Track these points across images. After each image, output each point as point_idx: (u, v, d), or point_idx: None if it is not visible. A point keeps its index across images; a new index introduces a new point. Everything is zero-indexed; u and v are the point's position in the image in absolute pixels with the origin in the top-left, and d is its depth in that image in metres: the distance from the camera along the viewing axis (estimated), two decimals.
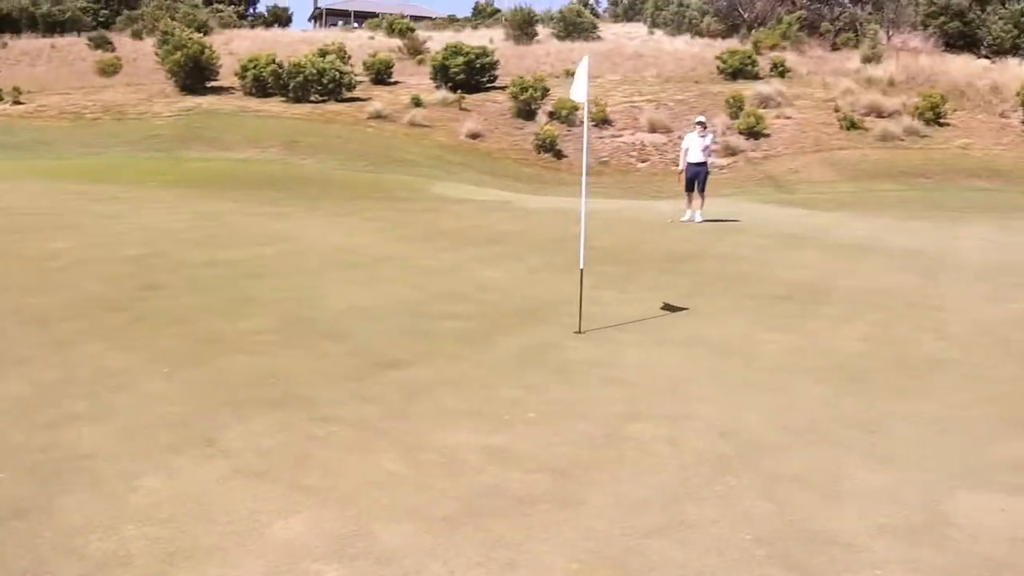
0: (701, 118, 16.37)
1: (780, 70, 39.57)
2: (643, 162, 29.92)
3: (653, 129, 31.48)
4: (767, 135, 31.54)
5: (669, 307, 8.44)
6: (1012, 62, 39.13)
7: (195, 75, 32.67)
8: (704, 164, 16.46)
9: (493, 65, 35.50)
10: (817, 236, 14.78)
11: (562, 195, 22.59)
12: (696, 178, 16.43)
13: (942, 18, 43.70)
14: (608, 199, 22.83)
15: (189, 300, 7.98)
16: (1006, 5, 43.25)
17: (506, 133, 30.85)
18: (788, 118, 33.23)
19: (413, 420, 5.29)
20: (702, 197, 16.39)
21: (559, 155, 29.52)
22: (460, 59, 34.15)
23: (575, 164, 27.18)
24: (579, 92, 8.23)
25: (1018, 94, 33.48)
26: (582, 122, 30.29)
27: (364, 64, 35.33)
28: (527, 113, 32.42)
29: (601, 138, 31.20)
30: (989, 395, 6.01)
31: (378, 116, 30.26)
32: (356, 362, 6.25)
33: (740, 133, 31.37)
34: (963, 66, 38.75)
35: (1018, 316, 8.59)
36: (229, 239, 11.83)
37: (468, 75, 34.55)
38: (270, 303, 7.99)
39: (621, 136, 31.38)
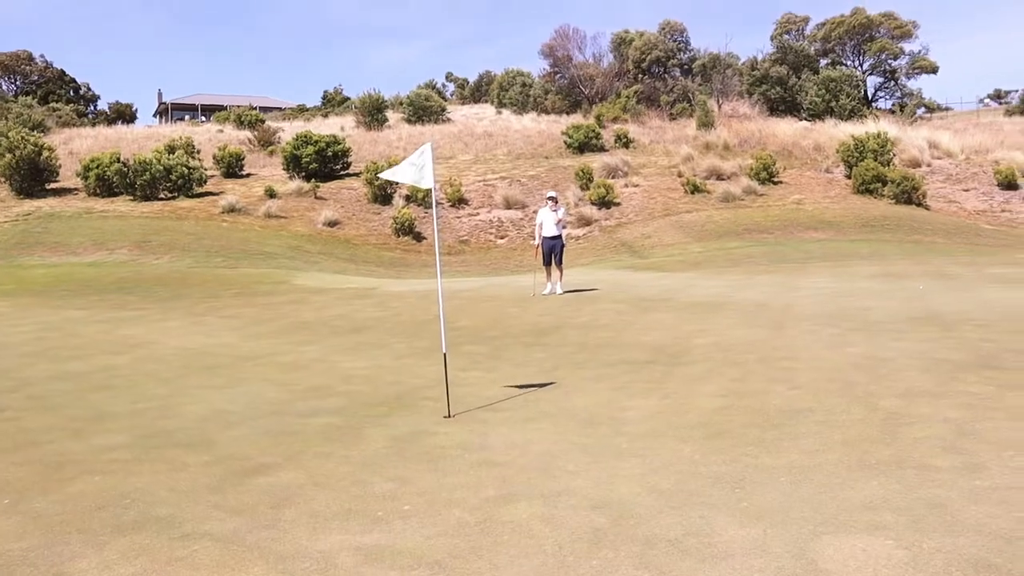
0: (552, 193, 16.81)
1: (624, 141, 41.23)
2: (501, 238, 30.18)
3: (508, 205, 31.97)
4: (618, 204, 32.52)
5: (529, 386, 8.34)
6: (828, 123, 42.58)
7: (33, 177, 31.30)
8: (559, 237, 16.74)
9: (345, 152, 35.67)
10: (672, 297, 15.20)
11: (425, 277, 22.70)
12: (553, 251, 16.68)
13: (764, 86, 47.27)
14: (470, 277, 22.93)
15: (33, 421, 7.44)
16: (817, 73, 47.19)
17: (364, 219, 30.87)
18: (636, 186, 34.47)
19: (283, 528, 5.08)
20: (560, 269, 16.63)
21: (419, 237, 29.68)
22: (311, 148, 34.18)
23: (432, 244, 27.51)
24: (425, 178, 8.13)
25: (837, 151, 36.20)
26: (437, 202, 30.98)
27: (214, 158, 34.84)
28: (383, 198, 32.59)
29: (459, 217, 31.45)
30: (842, 439, 6.27)
31: (232, 210, 29.81)
32: (219, 471, 5.94)
33: (592, 203, 32.22)
34: (787, 128, 41.88)
35: (857, 359, 9.01)
36: (77, 350, 11.27)
37: (321, 163, 34.54)
38: (124, 416, 7.54)
39: (478, 214, 31.73)
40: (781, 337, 10.74)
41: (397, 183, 29.45)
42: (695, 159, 36.03)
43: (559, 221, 16.50)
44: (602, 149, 39.51)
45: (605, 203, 31.89)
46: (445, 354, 8.08)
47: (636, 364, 9.49)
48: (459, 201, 32.38)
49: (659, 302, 14.62)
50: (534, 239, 17.41)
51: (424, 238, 29.44)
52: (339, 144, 35.26)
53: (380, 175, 8.81)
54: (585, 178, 33.46)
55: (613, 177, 34.69)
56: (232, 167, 35.20)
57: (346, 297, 17.51)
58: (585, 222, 30.37)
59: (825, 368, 8.70)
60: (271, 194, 31.72)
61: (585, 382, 8.65)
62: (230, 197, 30.90)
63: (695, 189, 32.85)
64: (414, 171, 8.00)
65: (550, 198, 16.64)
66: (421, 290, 18.31)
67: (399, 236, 29.44)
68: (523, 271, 23.68)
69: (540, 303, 15.51)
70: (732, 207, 31.17)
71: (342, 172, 35.33)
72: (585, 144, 39.46)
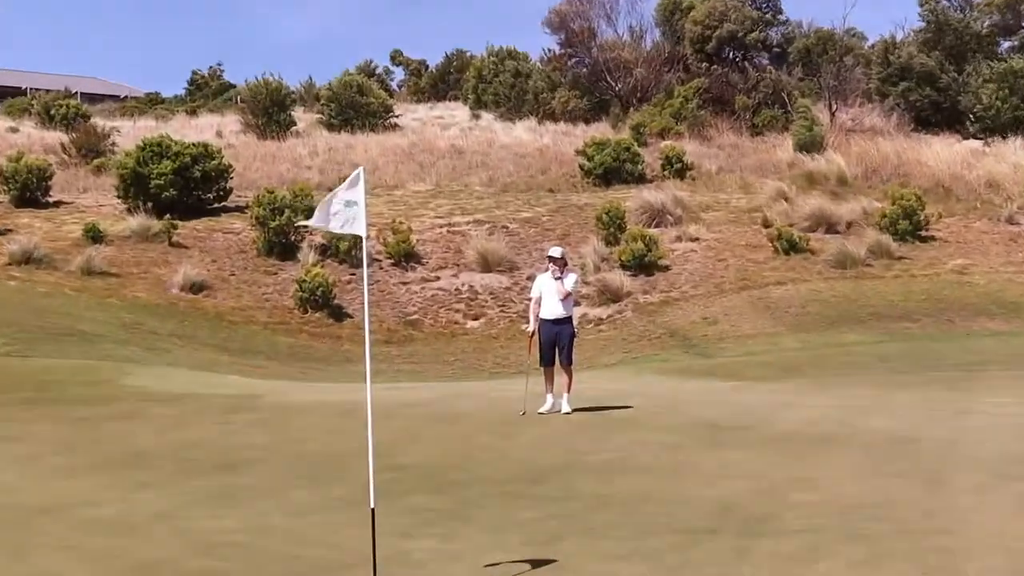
0: (556, 250, 17.00)
1: (677, 167, 42.00)
2: (475, 319, 30.68)
3: (487, 266, 32.67)
4: (665, 268, 33.00)
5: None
6: (1012, 143, 42.07)
7: None
8: (567, 320, 16.87)
9: (223, 172, 36.36)
10: (751, 424, 15.27)
11: (347, 380, 22.75)
12: (557, 342, 16.76)
13: (906, 83, 47.30)
14: (422, 380, 23.06)
15: None
16: (995, 63, 46.83)
17: (249, 282, 31.33)
18: (694, 240, 34.94)
19: None
20: (568, 373, 16.74)
21: (339, 314, 30.08)
22: (167, 163, 34.82)
23: (361, 326, 27.82)
24: (356, 221, 8.68)
25: None
26: (371, 259, 31.13)
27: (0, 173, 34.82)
28: (283, 248, 33.10)
29: (406, 283, 32.00)
30: None
31: (27, 260, 30.25)
32: None
33: (624, 267, 32.74)
34: (943, 151, 42.20)
35: None
36: None
37: (182, 189, 35.12)
38: None
39: (438, 279, 32.35)
40: (936, 495, 10.84)
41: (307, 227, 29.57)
42: (791, 199, 36.76)
43: (567, 295, 16.68)
44: (642, 179, 40.34)
45: (645, 266, 32.32)
46: (374, 510, 8.16)
47: (693, 534, 9.58)
48: (407, 258, 32.94)
49: (731, 431, 14.68)
50: (527, 323, 17.55)
51: (349, 315, 29.71)
52: (213, 159, 35.81)
53: (298, 223, 9.05)
54: (613, 225, 34.01)
55: (659, 225, 35.27)
56: (30, 190, 35.86)
57: (214, 410, 17.43)
58: (611, 296, 30.73)
59: (1013, 551, 8.83)
60: (95, 236, 32.17)
61: (607, 563, 8.77)
62: (24, 239, 31.25)
63: (791, 247, 33.40)
64: (344, 212, 8.50)
65: (553, 258, 16.81)
66: (340, 401, 18.18)
67: (307, 311, 29.70)
68: (508, 374, 23.55)
69: (535, 427, 15.53)
70: (852, 277, 31.64)
71: (216, 205, 35.91)
72: (614, 171, 40.21)
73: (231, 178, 36.04)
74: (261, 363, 25.21)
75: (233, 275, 31.19)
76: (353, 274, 31.26)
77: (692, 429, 14.91)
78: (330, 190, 39.74)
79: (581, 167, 40.24)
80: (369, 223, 10.05)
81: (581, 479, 12.03)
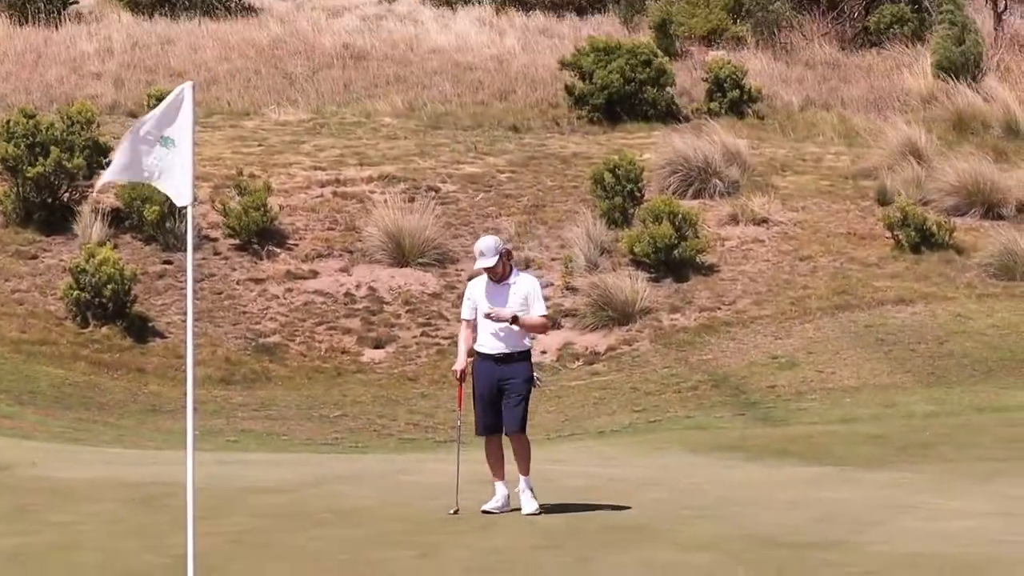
0: (488, 245, 12.36)
1: (732, 96, 34.18)
2: (376, 346, 25.77)
3: (401, 257, 27.20)
4: (708, 269, 27.38)
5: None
6: None
7: None
8: (520, 358, 12.80)
9: None
10: (844, 541, 12.14)
11: (152, 442, 19.21)
12: (502, 394, 12.77)
13: None
14: (283, 449, 19.35)
15: None
16: None
17: None
18: (760, 223, 29.09)
19: None
20: (521, 444, 12.78)
21: (141, 331, 24.81)
22: None
23: (184, 354, 21.48)
24: (173, 177, 6.77)
25: None
26: (200, 238, 27.08)
27: None
28: (49, 214, 27.46)
29: (260, 282, 26.27)
30: None
31: None
32: None
33: (638, 265, 27.10)
34: None
35: None
36: None
37: None
38: None
39: (315, 276, 26.53)
40: None
41: (96, 179, 24.78)
42: (926, 158, 30.67)
43: (514, 318, 12.32)
44: (672, 115, 33.03)
45: (674, 264, 26.53)
46: None
47: None
48: (263, 238, 27.02)
49: (809, 553, 11.51)
50: (457, 359, 13.55)
51: (159, 334, 24.46)
52: None
53: (97, 183, 10.40)
54: (621, 192, 27.66)
55: (699, 195, 28.94)
56: None
57: None
58: (614, 315, 25.20)
59: None
60: None
61: None
62: None
63: (923, 240, 27.67)
64: (156, 157, 6.82)
65: (484, 254, 12.54)
66: (139, 480, 14.82)
67: (87, 323, 24.35)
68: (432, 442, 19.97)
69: (475, 538, 12.23)
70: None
71: None
72: (625, 99, 32.65)
73: None
74: (6, 410, 20.59)
75: None
76: (169, 262, 25.72)
77: (742, 548, 11.44)
78: (133, 116, 29.45)
79: (568, 90, 32.69)
80: (198, 177, 9.29)
81: None
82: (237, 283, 25.58)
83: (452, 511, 12.89)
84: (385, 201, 27.27)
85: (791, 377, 23.58)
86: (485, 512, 13.00)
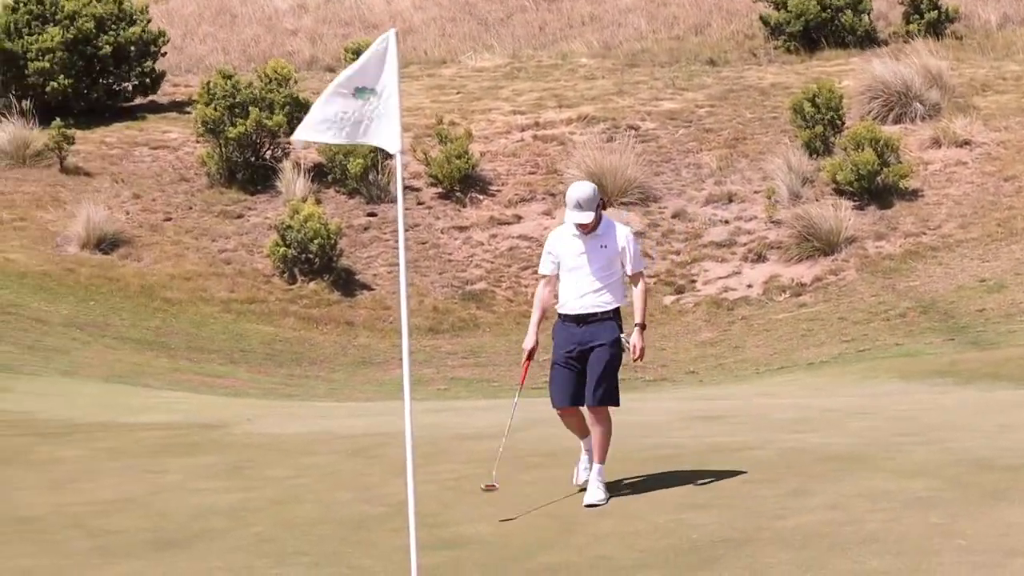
0: (583, 192, 11.07)
1: (931, 17, 33.41)
2: None
3: (603, 197, 25.91)
4: (913, 194, 26.74)
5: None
6: None
7: None
8: (608, 318, 11.36)
9: (150, 45, 29.85)
10: None
11: (364, 394, 18.92)
12: (584, 364, 11.50)
13: None
14: (494, 395, 19.23)
15: None
16: None
17: (197, 231, 25.68)
18: (963, 144, 28.42)
19: None
20: (601, 423, 11.21)
21: (348, 284, 24.63)
22: (55, 32, 27.88)
23: (392, 305, 22.66)
24: (381, 128, 6.67)
25: None
26: (405, 189, 26.72)
27: None
28: (252, 173, 27.15)
29: (464, 230, 26.01)
30: None
31: None
32: None
33: (842, 194, 26.72)
34: None
35: None
36: None
37: (82, 76, 28.99)
38: None
39: (518, 221, 26.12)
40: None
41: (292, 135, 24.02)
42: None
43: (609, 273, 11.18)
44: (871, 39, 32.51)
45: (878, 192, 26.10)
46: None
47: None
48: (465, 185, 26.55)
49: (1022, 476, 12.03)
50: (528, 334, 11.77)
51: (366, 286, 24.08)
52: (133, 22, 29.40)
53: (294, 137, 8.61)
54: (821, 121, 27.37)
55: (901, 120, 28.41)
56: None
57: (141, 451, 14.37)
58: (819, 245, 24.95)
59: None
60: None
61: None
62: None
63: None
64: (357, 111, 6.63)
65: (582, 207, 11.04)
66: (354, 433, 15.03)
67: (294, 280, 24.22)
68: (640, 382, 19.15)
69: (686, 476, 11.90)
70: None
71: (138, 100, 29.70)
72: (822, 26, 32.37)
73: (163, 54, 29.99)
74: (219, 369, 21.00)
75: (170, 220, 25.55)
76: (372, 214, 25.49)
77: (959, 473, 11.34)
78: (331, 71, 29.66)
79: (764, 20, 32.58)
80: (402, 128, 7.17)
81: (769, 552, 9.22)
82: (441, 232, 25.21)
83: (485, 485, 11.18)
84: (585, 142, 26.93)
85: (1000, 300, 22.96)
86: (577, 484, 11.41)
